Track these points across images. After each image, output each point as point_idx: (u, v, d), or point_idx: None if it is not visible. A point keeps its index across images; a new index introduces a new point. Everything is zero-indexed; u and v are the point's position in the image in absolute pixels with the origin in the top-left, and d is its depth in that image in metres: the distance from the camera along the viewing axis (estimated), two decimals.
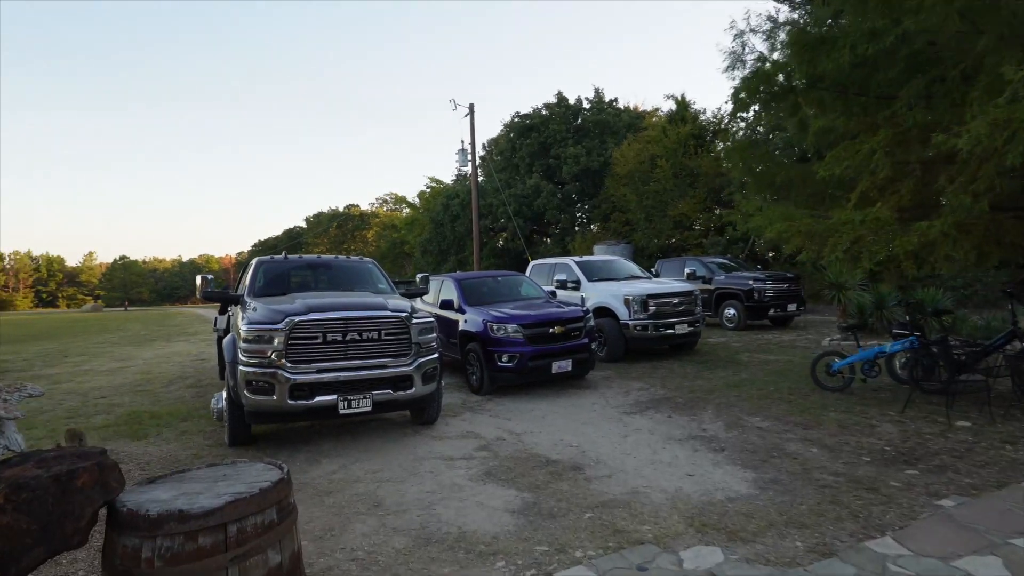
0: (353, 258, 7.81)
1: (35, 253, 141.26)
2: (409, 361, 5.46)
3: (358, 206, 77.12)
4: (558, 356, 7.53)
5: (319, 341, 5.11)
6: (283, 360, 5.02)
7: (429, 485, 4.37)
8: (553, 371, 7.47)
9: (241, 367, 5.09)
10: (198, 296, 6.74)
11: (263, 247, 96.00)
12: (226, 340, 5.71)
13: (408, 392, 5.42)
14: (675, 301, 9.98)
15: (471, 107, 22.93)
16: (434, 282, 9.32)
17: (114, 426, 6.41)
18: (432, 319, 5.83)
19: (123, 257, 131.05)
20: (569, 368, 7.61)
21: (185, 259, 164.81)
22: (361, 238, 69.19)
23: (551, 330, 7.58)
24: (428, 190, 43.08)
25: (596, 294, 10.43)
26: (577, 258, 11.87)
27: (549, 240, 32.97)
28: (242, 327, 5.18)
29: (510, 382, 7.60)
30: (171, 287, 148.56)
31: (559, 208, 29.86)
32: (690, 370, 8.75)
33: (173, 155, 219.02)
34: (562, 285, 10.67)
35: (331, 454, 5.28)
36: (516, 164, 31.91)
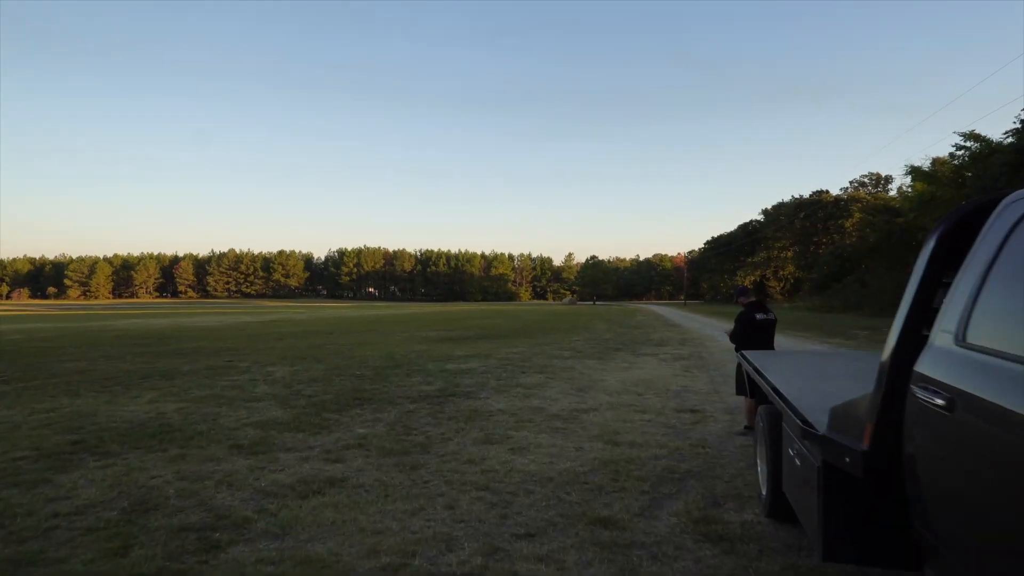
0: None
1: (533, 255, 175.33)
2: None
3: (828, 192, 64.80)
4: None
5: None
6: None
7: None
8: None
9: None
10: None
11: (716, 244, 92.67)
12: None
13: None
14: None
15: None
16: None
17: None
18: None
19: (593, 257, 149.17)
20: None
21: (641, 258, 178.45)
22: (836, 228, 57.15)
23: None
24: (960, 153, 30.02)
25: None
26: None
27: None
28: None
29: None
30: (629, 284, 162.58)
31: None
32: None
33: (635, 162, 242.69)
34: None
35: None
36: None
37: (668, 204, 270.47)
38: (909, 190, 42.45)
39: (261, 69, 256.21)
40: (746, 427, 6.14)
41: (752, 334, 6.13)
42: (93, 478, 4.80)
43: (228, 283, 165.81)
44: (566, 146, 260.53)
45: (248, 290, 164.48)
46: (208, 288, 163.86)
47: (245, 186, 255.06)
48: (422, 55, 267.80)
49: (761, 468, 4.07)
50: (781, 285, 71.86)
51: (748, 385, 5.19)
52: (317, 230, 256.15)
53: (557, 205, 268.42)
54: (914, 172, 31.59)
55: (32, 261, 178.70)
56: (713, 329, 25.07)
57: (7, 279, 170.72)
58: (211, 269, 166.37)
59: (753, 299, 6.43)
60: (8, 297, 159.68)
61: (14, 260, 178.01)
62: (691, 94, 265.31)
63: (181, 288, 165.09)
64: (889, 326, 2.23)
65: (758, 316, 6.15)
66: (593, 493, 4.39)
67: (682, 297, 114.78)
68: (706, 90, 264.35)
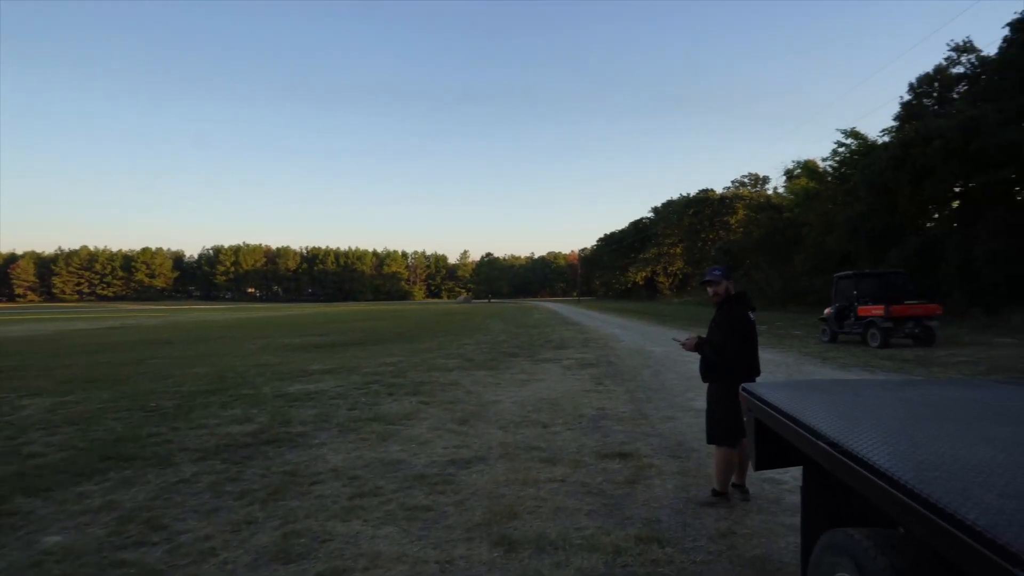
0: None
1: (428, 252, 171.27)
2: None
3: (713, 190, 67.10)
4: None
5: None
6: None
7: None
8: None
9: None
10: None
11: (609, 241, 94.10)
12: None
13: None
14: None
15: None
16: None
17: None
18: None
19: (488, 255, 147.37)
20: None
21: (536, 256, 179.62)
22: (722, 225, 59.00)
23: None
24: (842, 149, 30.73)
25: None
26: None
27: None
28: None
29: None
30: (524, 282, 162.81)
31: None
32: None
33: (530, 161, 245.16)
34: None
35: None
36: None
37: (563, 202, 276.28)
38: (784, 188, 44.18)
39: (131, 48, 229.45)
40: (714, 492, 3.92)
41: (747, 346, 3.87)
42: None
43: (79, 284, 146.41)
44: (461, 144, 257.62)
45: (105, 292, 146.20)
46: (54, 290, 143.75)
47: (103, 177, 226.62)
48: (311, 45, 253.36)
49: None
50: (670, 281, 73.78)
51: (761, 447, 2.64)
52: (189, 227, 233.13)
53: (452, 203, 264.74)
54: (804, 169, 32.21)
55: None
56: (613, 327, 23.64)
57: None
58: (58, 269, 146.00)
59: (741, 289, 4.12)
60: None
61: None
62: (584, 97, 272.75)
63: (19, 291, 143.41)
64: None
65: (752, 316, 3.93)
66: None
67: (576, 294, 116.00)
68: (599, 93, 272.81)
